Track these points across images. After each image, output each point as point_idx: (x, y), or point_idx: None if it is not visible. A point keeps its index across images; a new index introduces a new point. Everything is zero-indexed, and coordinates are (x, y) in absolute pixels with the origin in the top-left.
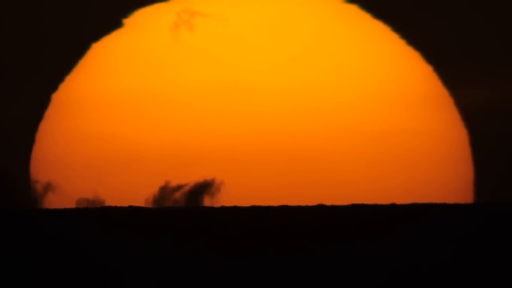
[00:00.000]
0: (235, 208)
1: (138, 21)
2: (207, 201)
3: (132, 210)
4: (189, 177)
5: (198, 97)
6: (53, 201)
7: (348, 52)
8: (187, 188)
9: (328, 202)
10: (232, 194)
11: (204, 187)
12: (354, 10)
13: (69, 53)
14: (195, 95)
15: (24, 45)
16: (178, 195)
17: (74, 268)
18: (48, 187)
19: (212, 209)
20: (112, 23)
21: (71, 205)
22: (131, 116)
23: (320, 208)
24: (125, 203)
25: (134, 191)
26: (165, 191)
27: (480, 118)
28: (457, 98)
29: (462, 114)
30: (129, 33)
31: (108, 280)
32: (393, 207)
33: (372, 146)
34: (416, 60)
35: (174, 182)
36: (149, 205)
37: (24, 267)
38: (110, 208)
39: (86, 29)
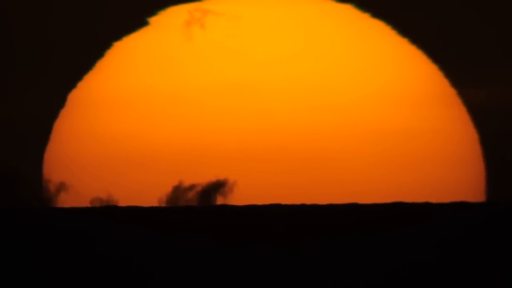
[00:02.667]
0: (246, 207)
1: (163, 20)
2: (220, 201)
3: (146, 210)
4: (202, 176)
5: (212, 95)
6: (66, 201)
7: (357, 51)
8: (199, 187)
9: (338, 201)
10: (245, 194)
11: (217, 187)
12: (353, 11)
13: (90, 52)
14: (209, 94)
15: (46, 42)
16: (191, 194)
17: (84, 266)
18: (61, 186)
19: (224, 207)
20: (138, 21)
21: (84, 204)
22: (145, 115)
23: (332, 207)
24: (138, 203)
25: (148, 190)
26: (178, 191)
27: (488, 118)
28: (463, 97)
29: (470, 113)
30: (150, 32)
31: (120, 278)
32: (404, 206)
33: (382, 144)
34: (421, 59)
35: (187, 181)
36: (162, 205)
37: (30, 266)
38: (123, 207)
39: (111, 27)
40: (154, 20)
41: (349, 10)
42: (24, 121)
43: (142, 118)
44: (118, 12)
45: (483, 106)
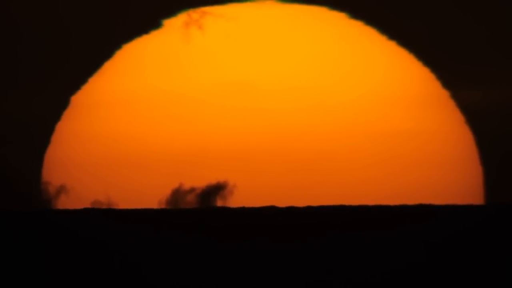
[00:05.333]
0: (245, 209)
1: (177, 22)
2: (220, 204)
3: (145, 212)
4: (203, 179)
5: (212, 96)
6: (65, 203)
7: (351, 53)
8: (199, 190)
9: (337, 202)
10: (245, 196)
11: (217, 189)
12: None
13: (100, 54)
14: (209, 94)
15: (56, 43)
16: (190, 197)
17: (83, 268)
18: (61, 189)
19: (223, 209)
20: (152, 23)
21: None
22: (145, 117)
23: (330, 208)
24: (138, 206)
25: (148, 193)
26: (178, 194)
27: (482, 119)
28: (456, 99)
29: (464, 114)
30: (160, 34)
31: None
32: (401, 208)
33: (379, 146)
34: (412, 61)
35: (187, 184)
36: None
37: (27, 268)
38: (122, 210)
39: (125, 28)
40: (168, 22)
41: (341, 17)
42: (28, 122)
43: (143, 120)
44: (133, 13)
45: (477, 108)
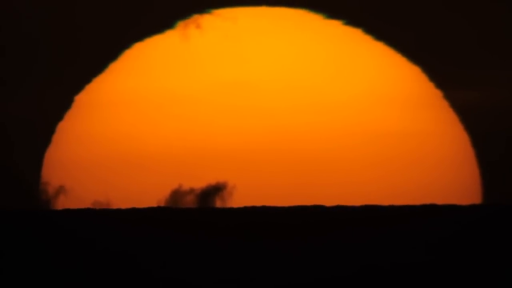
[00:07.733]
0: (244, 209)
1: (189, 24)
2: (219, 205)
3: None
4: (202, 179)
5: (211, 95)
6: (65, 204)
7: (345, 54)
8: (199, 191)
9: (335, 202)
10: (244, 196)
11: (216, 190)
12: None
13: (107, 54)
14: (208, 93)
15: (63, 42)
16: (190, 198)
17: (81, 267)
18: (60, 189)
19: (222, 209)
20: (166, 23)
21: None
22: (146, 117)
23: (327, 208)
24: (137, 207)
25: (147, 194)
26: (177, 194)
27: (475, 119)
28: (449, 99)
29: (458, 115)
30: (169, 35)
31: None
32: (399, 208)
33: (378, 146)
34: (403, 61)
35: (186, 184)
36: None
37: (25, 267)
38: (121, 209)
39: (140, 27)
40: (182, 24)
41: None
42: (29, 122)
43: (142, 120)
44: (147, 13)
45: (470, 108)
